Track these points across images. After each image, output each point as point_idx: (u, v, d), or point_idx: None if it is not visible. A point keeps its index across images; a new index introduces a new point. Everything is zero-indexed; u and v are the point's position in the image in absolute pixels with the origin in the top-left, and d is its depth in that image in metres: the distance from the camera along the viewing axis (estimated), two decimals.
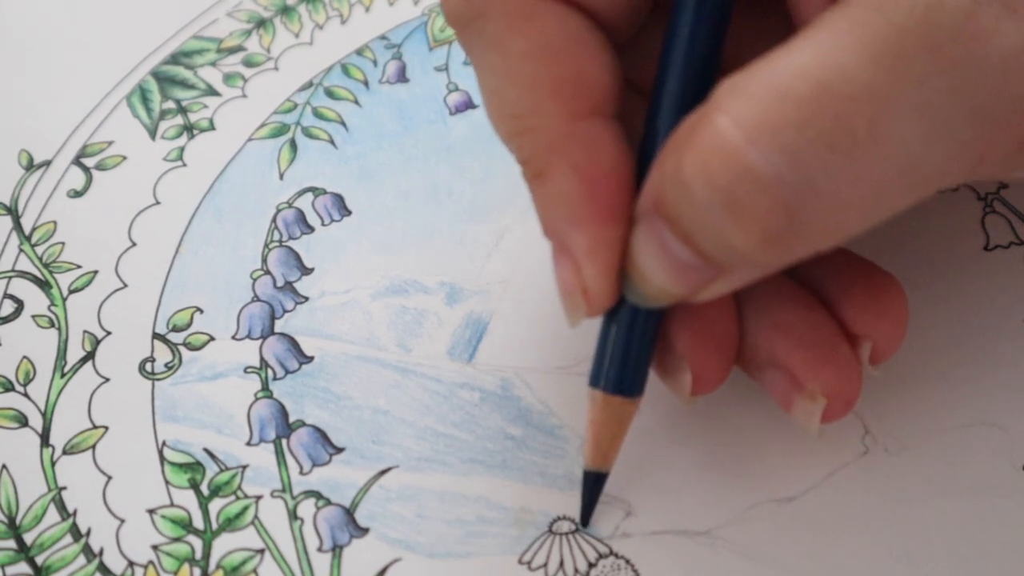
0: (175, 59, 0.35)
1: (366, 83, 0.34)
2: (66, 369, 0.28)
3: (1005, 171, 0.21)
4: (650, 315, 0.23)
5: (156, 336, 0.29)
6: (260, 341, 0.29)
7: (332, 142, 0.33)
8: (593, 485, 0.25)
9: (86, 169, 0.32)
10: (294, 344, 0.28)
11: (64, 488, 0.26)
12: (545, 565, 0.25)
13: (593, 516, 0.25)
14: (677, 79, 0.21)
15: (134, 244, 0.31)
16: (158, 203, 0.32)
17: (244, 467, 0.26)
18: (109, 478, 0.27)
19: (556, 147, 0.22)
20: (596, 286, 0.22)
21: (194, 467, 0.27)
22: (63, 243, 0.31)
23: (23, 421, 0.28)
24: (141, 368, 0.28)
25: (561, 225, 0.22)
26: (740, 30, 0.23)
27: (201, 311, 0.29)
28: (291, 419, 0.27)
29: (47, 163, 0.33)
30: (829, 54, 0.18)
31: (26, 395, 0.28)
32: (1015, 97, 0.18)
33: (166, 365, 0.28)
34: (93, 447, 0.27)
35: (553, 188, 0.22)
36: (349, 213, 0.31)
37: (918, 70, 0.18)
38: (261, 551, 0.25)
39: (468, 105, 0.33)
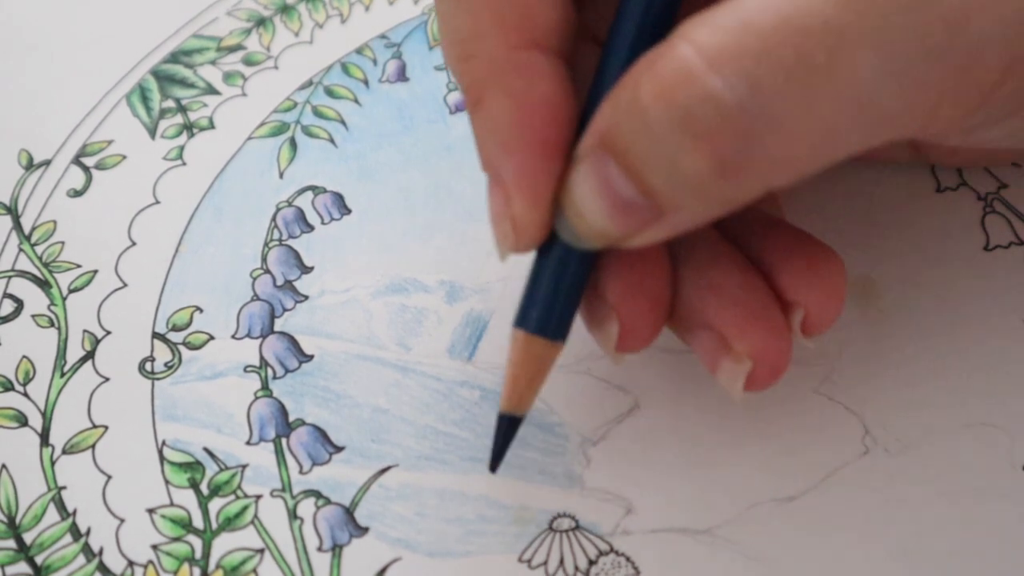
0: (175, 58, 0.35)
1: (366, 82, 0.34)
2: (66, 369, 0.28)
3: (967, 128, 0.21)
4: (582, 258, 0.22)
5: (156, 335, 0.29)
6: (260, 340, 0.29)
7: (332, 141, 0.33)
8: (507, 430, 0.24)
9: (86, 168, 0.32)
10: (294, 343, 0.28)
11: (64, 488, 0.26)
12: (545, 563, 0.25)
13: (593, 513, 0.25)
14: (631, 29, 0.21)
15: (134, 243, 0.31)
16: (158, 202, 0.32)
17: (244, 466, 0.26)
18: (109, 478, 0.26)
19: (494, 75, 0.22)
20: (524, 216, 0.22)
21: (194, 466, 0.27)
22: (63, 243, 0.31)
23: (23, 421, 0.28)
24: (141, 367, 0.28)
25: (494, 153, 0.22)
26: None
27: (201, 310, 0.29)
28: (291, 418, 0.27)
29: (47, 163, 0.33)
30: None
31: (26, 395, 0.28)
32: (974, 40, 0.19)
33: (166, 364, 0.28)
34: (93, 447, 0.27)
35: (488, 116, 0.22)
36: (349, 212, 0.31)
37: (878, 6, 0.18)
38: (261, 551, 0.25)
39: None
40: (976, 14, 0.18)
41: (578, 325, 0.24)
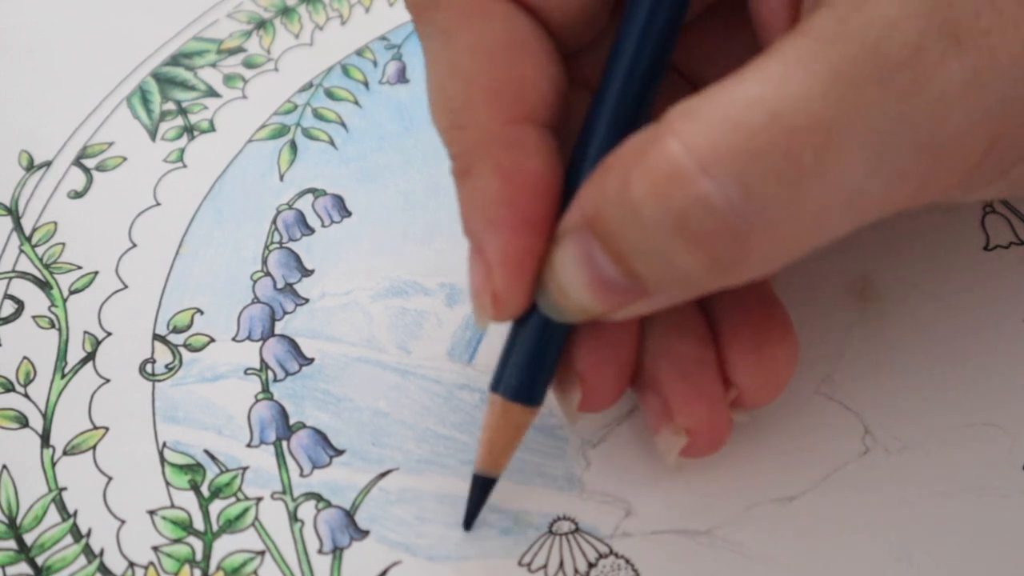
0: (175, 60, 0.35)
1: (366, 84, 0.34)
2: (66, 370, 0.28)
3: (945, 199, 0.21)
4: (559, 328, 0.23)
5: (156, 337, 0.29)
6: (260, 343, 0.29)
7: (332, 143, 0.33)
8: (481, 490, 0.25)
9: (86, 170, 0.32)
10: (294, 346, 0.28)
11: (64, 489, 0.26)
12: (545, 566, 0.25)
13: (592, 515, 0.25)
14: (614, 98, 0.21)
15: (134, 245, 0.31)
16: (158, 204, 0.32)
17: (244, 469, 0.26)
18: (110, 479, 0.27)
19: (484, 147, 0.22)
20: (505, 293, 0.22)
21: (195, 468, 0.27)
22: (63, 244, 0.31)
23: (23, 422, 0.28)
24: (141, 369, 0.28)
25: (479, 226, 0.22)
26: (707, 46, 0.24)
27: (201, 312, 0.29)
28: (291, 421, 0.27)
29: (47, 164, 0.33)
30: (781, 85, 0.18)
31: (26, 396, 0.28)
32: (956, 131, 0.19)
33: (166, 366, 0.28)
34: (94, 448, 0.27)
35: (475, 188, 0.22)
36: (349, 214, 0.31)
37: (865, 102, 0.18)
38: (261, 553, 0.25)
39: None
40: (958, 103, 0.19)
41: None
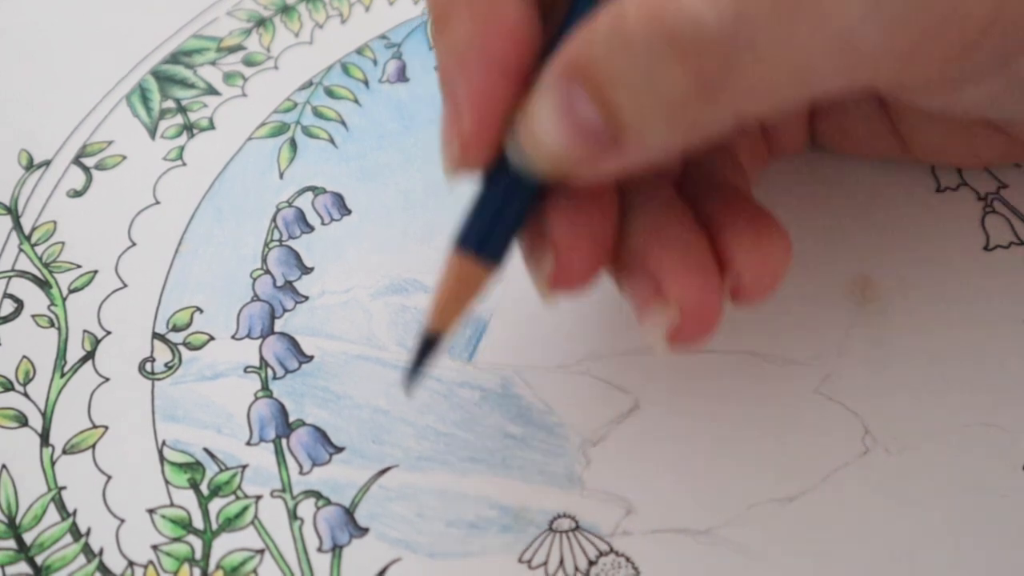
0: (175, 58, 0.35)
1: (366, 82, 0.34)
2: (66, 369, 0.28)
3: (944, 83, 0.21)
4: (526, 186, 0.22)
5: (156, 336, 0.29)
6: (260, 340, 0.29)
7: (332, 141, 0.33)
8: (425, 348, 0.23)
9: (86, 169, 0.32)
10: (294, 343, 0.28)
11: (64, 488, 0.26)
12: (545, 563, 0.25)
13: (592, 513, 0.25)
14: None
15: (134, 244, 0.31)
16: (158, 203, 0.32)
17: (244, 467, 0.26)
18: (109, 478, 0.27)
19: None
20: (472, 134, 0.21)
21: (194, 467, 0.27)
22: (63, 243, 0.31)
23: (23, 421, 0.28)
24: (141, 368, 0.28)
25: (451, 70, 0.22)
26: None
27: (201, 311, 0.29)
28: (291, 419, 0.27)
29: (47, 163, 0.33)
30: None
31: (26, 395, 0.28)
32: None
33: (166, 365, 0.28)
34: (93, 447, 0.27)
35: (450, 35, 0.22)
36: (349, 212, 0.31)
37: None
38: (261, 551, 0.25)
39: None
40: None
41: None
